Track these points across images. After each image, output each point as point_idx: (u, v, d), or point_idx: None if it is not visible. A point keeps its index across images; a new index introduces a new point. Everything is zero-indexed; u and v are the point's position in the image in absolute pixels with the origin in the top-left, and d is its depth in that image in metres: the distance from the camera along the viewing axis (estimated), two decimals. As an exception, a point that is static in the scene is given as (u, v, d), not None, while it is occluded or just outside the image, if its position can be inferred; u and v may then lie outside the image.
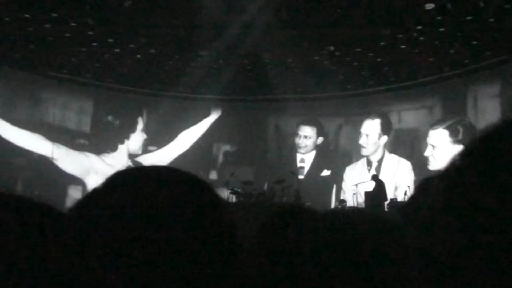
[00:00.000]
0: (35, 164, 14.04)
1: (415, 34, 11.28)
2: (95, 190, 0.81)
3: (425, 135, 13.49)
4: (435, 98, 14.01)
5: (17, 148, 13.71)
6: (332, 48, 9.08)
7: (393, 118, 14.53)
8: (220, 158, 16.27)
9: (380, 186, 11.60)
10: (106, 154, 14.98)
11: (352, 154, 15.14)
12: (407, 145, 14.22)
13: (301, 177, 14.97)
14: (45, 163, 13.98)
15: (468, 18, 10.34)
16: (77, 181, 14.28)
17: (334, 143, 15.85)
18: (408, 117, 14.48)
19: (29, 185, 13.63)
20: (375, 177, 12.29)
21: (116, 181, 0.80)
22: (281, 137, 16.29)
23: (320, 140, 15.80)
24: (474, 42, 11.43)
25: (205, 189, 0.83)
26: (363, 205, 12.11)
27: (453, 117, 13.20)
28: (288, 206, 1.31)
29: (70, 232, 0.72)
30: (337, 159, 15.59)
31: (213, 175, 15.96)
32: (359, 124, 14.74)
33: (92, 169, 14.63)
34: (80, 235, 0.72)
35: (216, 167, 16.13)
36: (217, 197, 0.83)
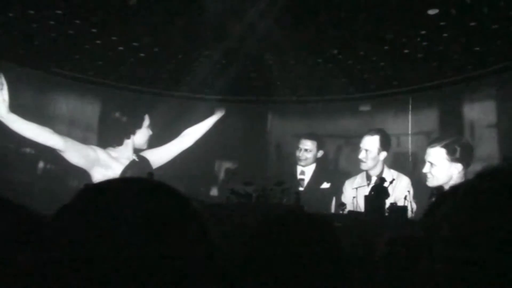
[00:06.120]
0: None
1: (418, 39, 11.22)
2: (65, 206, 0.81)
3: (423, 156, 13.72)
4: (432, 123, 14.14)
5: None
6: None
7: (392, 142, 14.71)
8: (222, 175, 16.41)
9: (382, 187, 11.58)
10: (111, 148, 15.31)
11: (351, 172, 15.22)
12: (406, 162, 14.38)
13: (301, 188, 15.09)
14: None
15: (472, 24, 10.24)
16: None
17: (334, 163, 15.95)
18: (406, 142, 14.62)
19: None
20: (381, 179, 12.23)
21: (85, 196, 0.81)
22: (282, 154, 16.36)
23: (321, 153, 15.88)
24: (477, 48, 11.34)
25: (175, 196, 0.83)
26: (362, 209, 12.09)
27: (451, 136, 13.36)
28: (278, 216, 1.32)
29: (47, 240, 0.74)
30: (337, 172, 15.72)
31: (214, 192, 16.14)
32: (358, 146, 14.97)
33: (97, 161, 14.96)
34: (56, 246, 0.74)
35: (217, 184, 16.28)
36: (187, 202, 0.84)
